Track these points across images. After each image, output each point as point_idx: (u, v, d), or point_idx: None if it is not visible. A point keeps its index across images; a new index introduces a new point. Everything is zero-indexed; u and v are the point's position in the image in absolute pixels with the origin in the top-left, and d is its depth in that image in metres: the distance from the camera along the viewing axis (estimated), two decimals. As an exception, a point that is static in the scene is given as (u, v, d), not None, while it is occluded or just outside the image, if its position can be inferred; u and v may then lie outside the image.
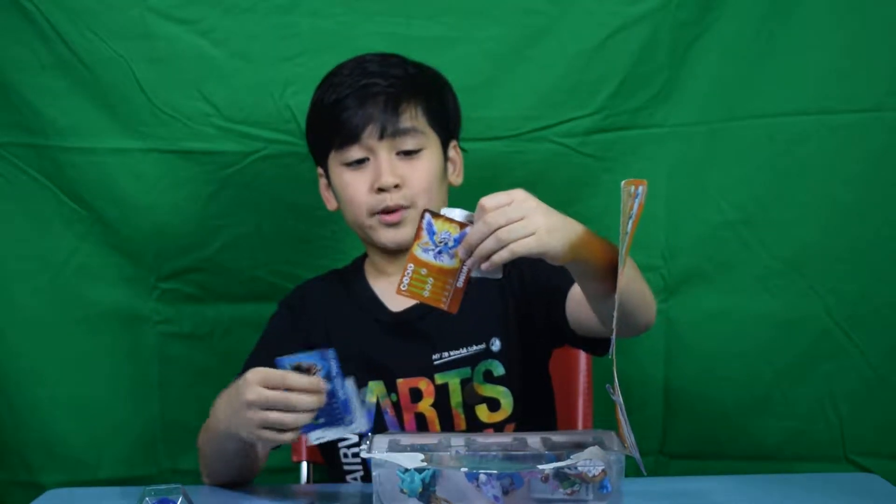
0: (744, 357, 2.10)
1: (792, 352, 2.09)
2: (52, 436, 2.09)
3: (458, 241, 1.35)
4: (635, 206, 1.29)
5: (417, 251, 1.37)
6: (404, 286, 1.37)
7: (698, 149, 2.08)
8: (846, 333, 2.07)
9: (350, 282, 1.78)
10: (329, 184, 1.75)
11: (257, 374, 1.40)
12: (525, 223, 1.31)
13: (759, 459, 2.08)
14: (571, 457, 1.32)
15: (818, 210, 2.07)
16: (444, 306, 1.38)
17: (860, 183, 2.06)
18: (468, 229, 1.34)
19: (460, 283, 1.37)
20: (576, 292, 1.56)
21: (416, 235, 1.37)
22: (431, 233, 1.36)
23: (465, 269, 1.36)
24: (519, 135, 2.06)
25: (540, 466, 1.32)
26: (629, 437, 1.31)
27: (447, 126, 1.76)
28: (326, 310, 1.75)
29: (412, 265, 1.37)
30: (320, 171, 1.77)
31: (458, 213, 1.37)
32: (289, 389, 1.38)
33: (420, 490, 1.31)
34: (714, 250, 2.10)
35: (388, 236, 1.68)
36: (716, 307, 2.10)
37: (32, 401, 2.07)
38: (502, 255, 1.31)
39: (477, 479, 1.32)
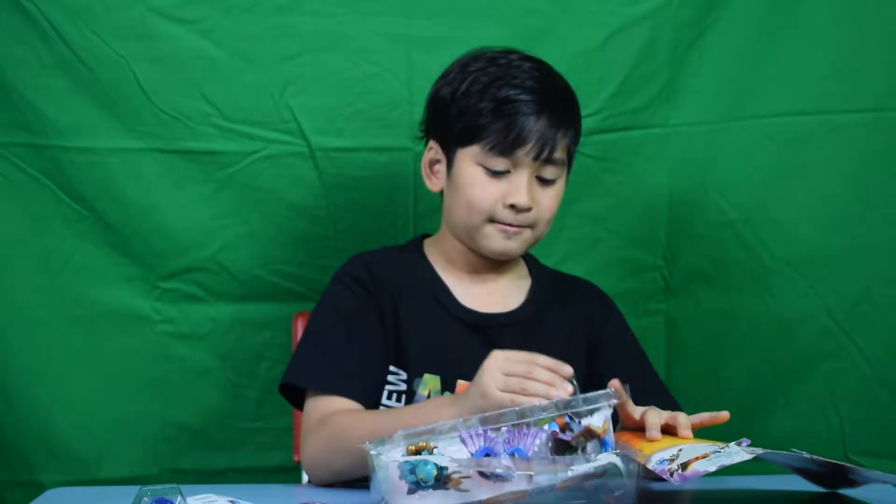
0: (744, 357, 2.10)
1: (792, 352, 2.09)
2: (52, 435, 2.08)
3: None
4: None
5: None
6: None
7: (699, 149, 2.09)
8: (846, 333, 2.07)
9: (416, 265, 1.74)
10: (441, 165, 1.72)
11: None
12: None
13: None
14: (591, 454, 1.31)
15: (818, 210, 2.07)
16: None
17: (860, 183, 2.06)
18: None
19: None
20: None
21: None
22: None
23: None
24: (519, 135, 2.06)
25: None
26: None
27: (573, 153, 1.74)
28: (394, 286, 1.70)
29: None
30: (433, 145, 1.74)
31: None
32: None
33: (435, 474, 1.29)
34: (714, 250, 2.10)
35: (498, 245, 1.66)
36: (716, 307, 2.11)
37: (32, 401, 2.07)
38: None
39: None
